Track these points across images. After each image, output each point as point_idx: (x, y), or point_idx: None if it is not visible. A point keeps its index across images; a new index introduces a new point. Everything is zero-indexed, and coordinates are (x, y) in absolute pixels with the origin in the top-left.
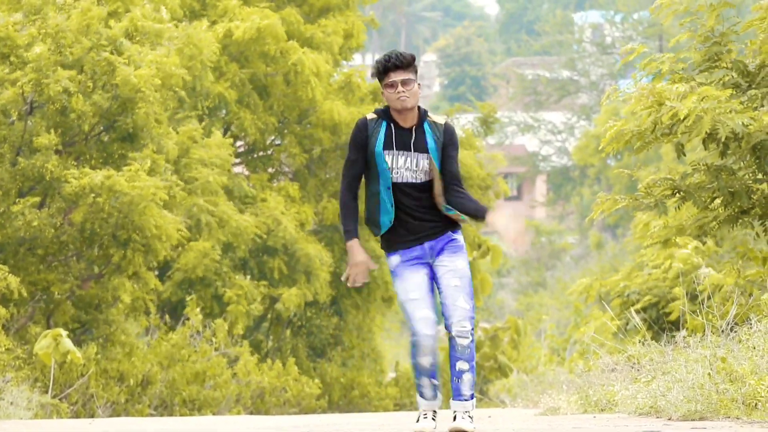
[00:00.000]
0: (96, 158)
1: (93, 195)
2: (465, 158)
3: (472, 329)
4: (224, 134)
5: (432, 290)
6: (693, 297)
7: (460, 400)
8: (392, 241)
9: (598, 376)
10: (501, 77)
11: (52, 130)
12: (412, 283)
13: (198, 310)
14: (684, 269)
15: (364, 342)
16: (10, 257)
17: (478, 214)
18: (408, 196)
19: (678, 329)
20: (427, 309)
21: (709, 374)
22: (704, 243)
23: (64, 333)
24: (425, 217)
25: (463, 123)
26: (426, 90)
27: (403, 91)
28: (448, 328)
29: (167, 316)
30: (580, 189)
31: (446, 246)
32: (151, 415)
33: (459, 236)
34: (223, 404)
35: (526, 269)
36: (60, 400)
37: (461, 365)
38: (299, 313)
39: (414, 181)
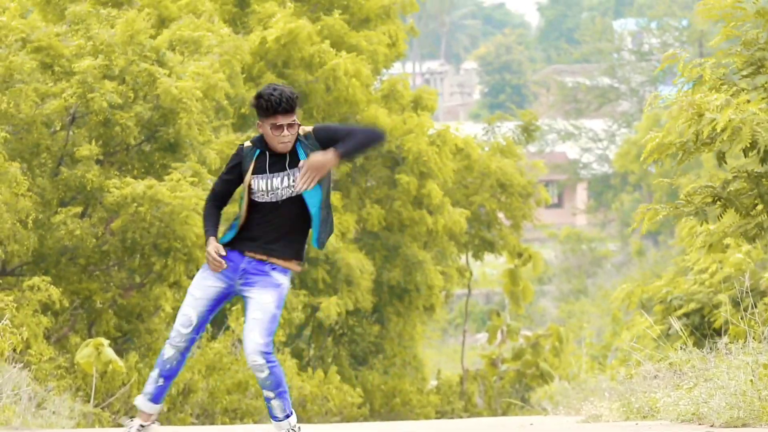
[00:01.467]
0: (138, 168)
1: (135, 204)
2: (506, 166)
3: (269, 362)
4: None
5: (216, 303)
6: (736, 304)
7: (276, 421)
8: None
9: (640, 383)
10: (541, 85)
11: (94, 141)
12: (204, 284)
13: (242, 319)
14: (734, 274)
15: (406, 350)
16: (52, 267)
17: (375, 141)
18: (268, 217)
19: (720, 336)
20: (194, 310)
21: (751, 381)
22: (755, 247)
23: (106, 342)
24: (263, 239)
25: (504, 131)
26: (466, 98)
27: (288, 135)
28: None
29: (208, 325)
30: (620, 196)
31: (260, 280)
32: (193, 423)
33: (279, 276)
34: (264, 413)
35: (567, 277)
36: (102, 409)
37: (267, 393)
38: (341, 321)
39: (290, 196)
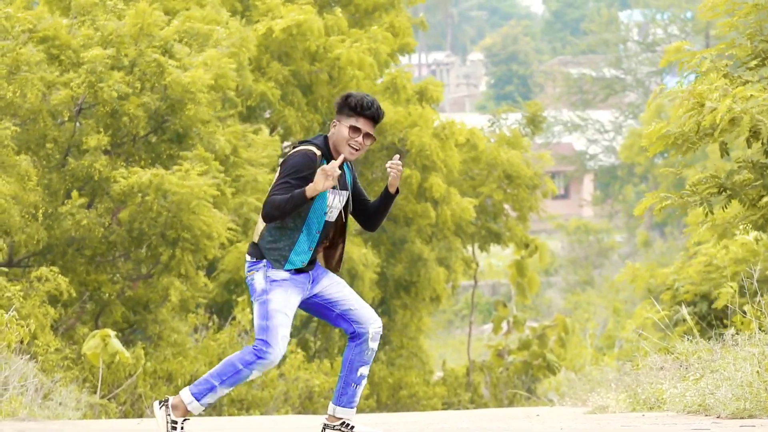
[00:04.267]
0: (144, 159)
1: (141, 194)
2: (513, 157)
3: None
4: (270, 134)
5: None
6: (743, 294)
7: (351, 407)
8: (287, 263)
9: (647, 374)
10: (547, 76)
11: (101, 131)
12: (291, 302)
13: (248, 310)
14: (742, 256)
15: (412, 341)
16: (59, 258)
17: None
18: (324, 235)
19: (726, 324)
20: (288, 330)
21: (757, 372)
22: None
23: (113, 333)
24: (323, 251)
25: (510, 122)
26: (472, 89)
27: (362, 144)
28: (360, 331)
29: (215, 317)
30: (627, 187)
31: (320, 272)
32: (200, 415)
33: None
34: (271, 404)
35: (573, 268)
36: (108, 400)
37: (364, 370)
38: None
39: (335, 218)
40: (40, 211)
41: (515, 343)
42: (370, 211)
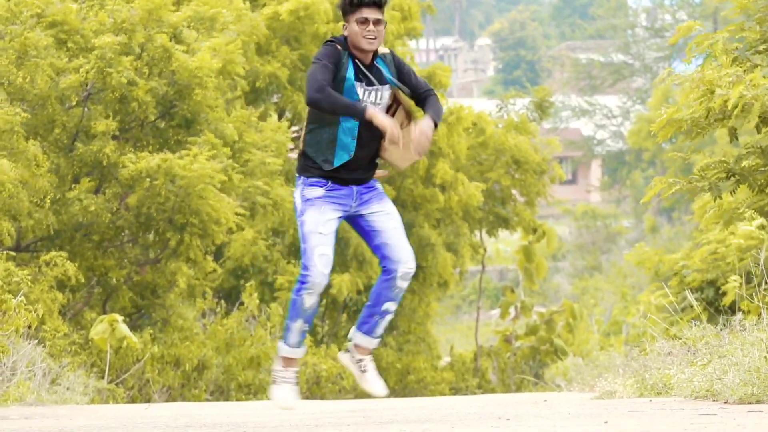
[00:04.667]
0: (152, 144)
1: (149, 179)
2: (521, 143)
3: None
4: (279, 119)
5: (337, 236)
6: (749, 280)
7: (371, 336)
8: (324, 173)
9: (654, 359)
10: (555, 61)
11: (110, 116)
12: (326, 218)
13: (255, 295)
14: (746, 245)
15: (420, 327)
16: (66, 243)
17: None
18: (363, 135)
19: (733, 311)
20: (330, 248)
21: (765, 357)
22: None
23: (120, 318)
24: (363, 162)
25: (518, 108)
26: (480, 74)
27: (374, 30)
28: (390, 267)
29: (222, 302)
30: (635, 173)
31: (373, 195)
32: (207, 400)
33: (379, 185)
34: None
35: (581, 253)
36: (116, 385)
37: (389, 306)
38: (355, 297)
39: None
40: (48, 196)
41: (523, 329)
42: (425, 97)
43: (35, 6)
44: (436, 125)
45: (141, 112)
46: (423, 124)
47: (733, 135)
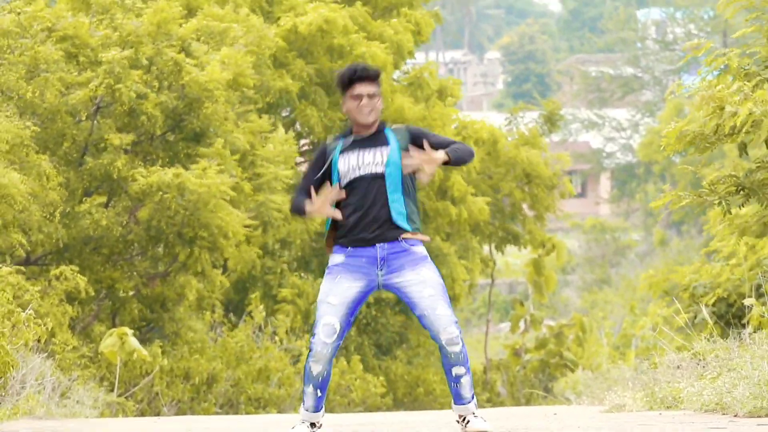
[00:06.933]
0: (162, 158)
1: (160, 193)
2: (531, 156)
3: (460, 333)
4: (287, 131)
5: (356, 305)
6: (760, 295)
7: (462, 403)
8: (345, 239)
9: (664, 372)
10: (564, 74)
11: (119, 130)
12: (339, 289)
13: (261, 306)
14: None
15: (430, 340)
16: (76, 256)
17: (471, 158)
18: (362, 191)
19: (745, 325)
20: (335, 318)
21: None
22: None
23: (130, 332)
24: (375, 215)
25: (528, 121)
26: (490, 87)
27: (368, 104)
28: (435, 339)
29: (231, 315)
30: (644, 186)
31: (405, 260)
32: (217, 413)
33: (419, 248)
34: (288, 402)
35: (590, 266)
36: (126, 398)
37: (457, 370)
38: (365, 311)
39: (374, 172)
40: (58, 210)
41: (532, 342)
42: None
43: (46, 20)
44: (449, 160)
45: (150, 126)
46: (436, 152)
47: (743, 149)
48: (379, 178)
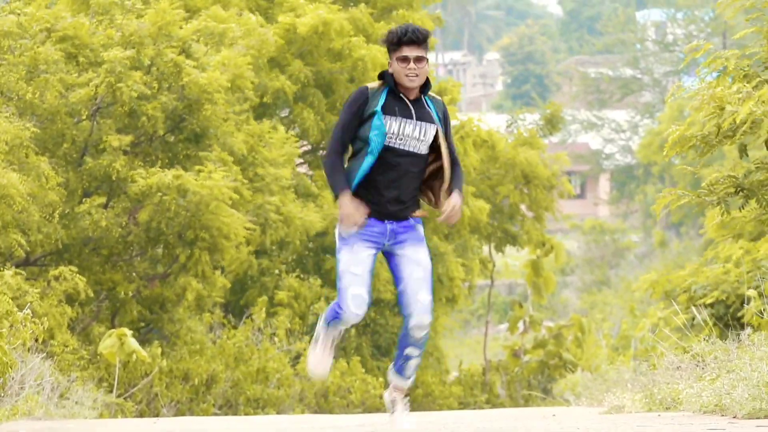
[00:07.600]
0: (162, 159)
1: (160, 194)
2: (531, 157)
3: (431, 320)
4: (286, 131)
5: (373, 272)
6: (760, 294)
7: (401, 375)
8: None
9: (663, 374)
10: (564, 76)
11: (118, 131)
12: (359, 258)
13: (263, 309)
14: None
15: (428, 341)
16: (75, 257)
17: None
18: (396, 167)
19: (743, 327)
20: (362, 288)
21: None
22: None
23: (129, 332)
24: (398, 196)
25: (528, 123)
26: (489, 89)
27: (415, 68)
28: (406, 317)
29: (231, 315)
30: (643, 187)
31: (409, 236)
32: (216, 414)
33: (420, 227)
34: (287, 403)
35: (589, 268)
36: (125, 399)
37: (411, 351)
38: None
39: (416, 150)
40: (57, 210)
41: (531, 343)
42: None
43: (45, 21)
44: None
45: (150, 127)
46: (454, 199)
47: (743, 151)
48: (419, 158)
